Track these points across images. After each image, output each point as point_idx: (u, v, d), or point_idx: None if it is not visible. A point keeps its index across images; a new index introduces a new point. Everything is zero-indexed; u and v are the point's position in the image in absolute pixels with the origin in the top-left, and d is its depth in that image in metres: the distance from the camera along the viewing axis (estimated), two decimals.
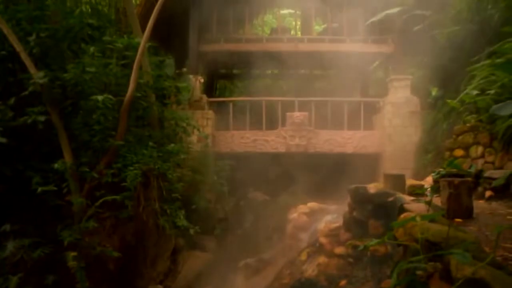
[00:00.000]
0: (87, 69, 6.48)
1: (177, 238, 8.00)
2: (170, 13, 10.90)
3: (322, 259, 6.11)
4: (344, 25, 11.58)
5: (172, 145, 7.57)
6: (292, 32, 15.16)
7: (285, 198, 10.10)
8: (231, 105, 11.07)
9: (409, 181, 6.10)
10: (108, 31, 8.42)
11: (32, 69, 6.24)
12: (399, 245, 3.39)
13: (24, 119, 5.96)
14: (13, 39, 6.25)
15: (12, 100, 6.10)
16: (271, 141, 10.63)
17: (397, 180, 5.68)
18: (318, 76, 16.22)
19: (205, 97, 10.94)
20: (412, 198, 4.63)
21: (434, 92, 12.08)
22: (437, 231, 2.42)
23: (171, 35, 11.94)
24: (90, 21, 7.83)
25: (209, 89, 12.73)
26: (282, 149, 10.61)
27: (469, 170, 5.47)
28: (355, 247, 5.39)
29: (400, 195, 4.85)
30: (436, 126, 9.37)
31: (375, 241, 2.33)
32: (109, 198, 6.19)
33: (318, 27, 17.21)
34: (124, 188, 6.30)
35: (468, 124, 6.88)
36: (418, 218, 2.32)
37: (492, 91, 6.10)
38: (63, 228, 5.95)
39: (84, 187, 6.36)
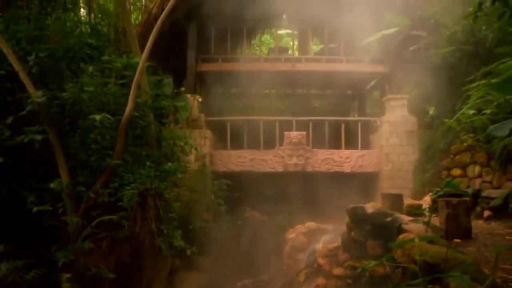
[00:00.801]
0: (86, 88, 6.50)
1: (174, 259, 7.90)
2: (169, 33, 11.02)
3: (320, 280, 6.05)
4: (341, 45, 11.70)
5: (170, 164, 7.54)
6: (290, 52, 15.28)
7: (282, 218, 10.02)
8: (228, 124, 11.09)
9: (407, 201, 6.08)
10: (107, 51, 8.49)
11: (30, 88, 6.25)
12: (398, 266, 3.36)
13: (21, 138, 5.95)
14: (12, 59, 6.28)
15: (9, 119, 6.10)
16: (268, 161, 10.61)
17: (395, 200, 5.67)
18: (315, 96, 16.32)
19: (203, 116, 10.97)
20: (410, 218, 4.61)
21: (431, 111, 12.16)
22: (435, 253, 2.40)
23: (169, 54, 12.05)
24: (90, 41, 7.89)
25: (207, 108, 12.77)
26: (279, 168, 10.59)
27: (466, 190, 5.46)
28: (353, 268, 5.34)
29: (398, 215, 4.82)
30: (434, 146, 9.40)
31: (373, 263, 2.30)
32: (105, 218, 6.14)
33: (315, 47, 17.42)
34: (120, 208, 6.25)
35: (465, 144, 6.90)
36: (416, 239, 2.30)
37: (488, 111, 6.14)
38: (58, 249, 5.88)
39: (80, 206, 6.31)
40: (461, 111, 6.71)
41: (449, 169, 7.27)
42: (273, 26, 14.59)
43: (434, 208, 4.33)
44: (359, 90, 14.63)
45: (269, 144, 10.80)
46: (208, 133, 10.67)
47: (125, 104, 6.88)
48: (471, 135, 6.84)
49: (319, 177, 10.22)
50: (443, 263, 2.24)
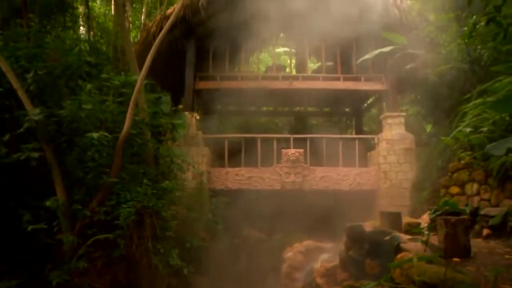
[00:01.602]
0: (84, 106, 6.50)
1: (171, 278, 7.78)
2: (167, 51, 11.11)
3: None
4: (338, 63, 11.80)
5: (167, 182, 7.50)
6: (287, 70, 15.43)
7: (280, 236, 9.95)
8: (226, 141, 11.10)
9: (406, 219, 6.05)
10: (106, 69, 8.54)
11: (28, 106, 6.25)
12: (396, 286, 3.32)
13: (17, 156, 5.91)
14: (11, 76, 6.30)
15: (6, 137, 6.08)
16: (266, 178, 10.58)
17: (394, 218, 5.64)
18: (313, 113, 16.39)
19: (200, 134, 10.98)
20: (409, 237, 4.57)
21: (428, 129, 12.21)
22: (434, 273, 2.37)
23: (168, 72, 12.12)
24: (89, 59, 7.93)
25: (205, 125, 12.80)
26: (277, 186, 10.55)
27: (464, 208, 5.44)
28: None
29: (396, 233, 4.79)
30: (431, 163, 9.40)
31: (371, 283, 2.27)
32: (101, 236, 6.07)
33: (312, 65, 17.58)
34: (116, 226, 6.19)
35: (462, 161, 6.91)
36: (415, 259, 2.27)
37: (485, 129, 6.17)
38: (52, 268, 5.78)
39: (75, 225, 6.24)
40: (458, 129, 6.74)
41: (447, 187, 7.26)
42: (271, 45, 14.74)
43: (432, 227, 4.30)
44: (357, 108, 14.71)
45: (267, 161, 10.78)
46: (206, 150, 10.66)
47: (123, 122, 6.88)
48: (469, 152, 6.86)
49: (317, 195, 10.18)
50: (441, 284, 2.22)
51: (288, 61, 18.16)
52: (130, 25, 15.45)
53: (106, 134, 6.42)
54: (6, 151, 5.97)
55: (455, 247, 3.72)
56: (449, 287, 2.12)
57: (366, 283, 2.32)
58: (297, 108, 15.99)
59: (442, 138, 7.71)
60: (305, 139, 11.09)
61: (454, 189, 6.99)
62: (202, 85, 11.58)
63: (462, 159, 6.94)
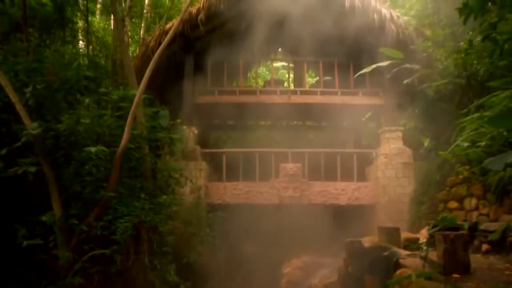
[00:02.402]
0: (82, 120, 6.50)
1: None
2: (165, 65, 11.17)
3: None
4: (336, 77, 11.87)
5: (165, 196, 7.47)
6: (285, 84, 15.49)
7: (278, 251, 9.86)
8: (224, 156, 11.08)
9: (405, 234, 6.02)
10: (105, 83, 8.57)
11: (26, 120, 6.25)
12: None
13: (14, 170, 5.89)
14: (9, 90, 6.31)
15: (4, 151, 6.06)
16: (264, 193, 10.53)
17: (392, 233, 5.61)
18: (311, 128, 16.42)
19: (198, 148, 10.97)
20: (407, 252, 4.54)
21: (426, 143, 12.23)
22: None
23: (166, 86, 12.16)
24: (87, 73, 7.97)
25: (203, 140, 12.80)
26: (275, 201, 10.50)
27: (463, 223, 5.42)
28: None
29: (395, 249, 4.76)
30: (429, 178, 9.39)
31: None
32: (97, 252, 6.01)
33: (310, 79, 17.67)
34: (113, 241, 6.13)
35: (460, 176, 6.90)
36: (413, 276, 2.25)
37: (482, 143, 6.19)
38: (48, 284, 5.72)
39: (72, 240, 6.18)
40: (456, 143, 6.75)
41: (445, 201, 7.24)
42: (269, 59, 14.84)
43: (431, 242, 4.28)
44: (355, 122, 14.74)
45: (265, 176, 10.75)
46: (204, 165, 10.64)
47: (121, 136, 6.87)
48: (467, 167, 6.85)
49: (315, 210, 10.14)
50: None
51: (286, 75, 18.26)
52: (129, 39, 15.55)
53: (104, 148, 6.42)
54: (3, 165, 5.94)
55: (454, 263, 3.69)
56: None
57: None
58: (295, 122, 16.02)
59: (440, 152, 7.73)
60: (303, 154, 11.08)
61: (453, 204, 6.97)
62: (200, 99, 11.60)
63: (460, 174, 6.93)
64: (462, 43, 8.49)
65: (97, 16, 17.36)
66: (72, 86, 7.31)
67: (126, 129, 6.87)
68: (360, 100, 11.60)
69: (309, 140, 15.54)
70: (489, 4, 3.87)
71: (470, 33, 8.18)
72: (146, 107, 8.55)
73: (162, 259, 6.92)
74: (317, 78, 14.75)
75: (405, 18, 11.17)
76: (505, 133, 5.83)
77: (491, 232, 5.12)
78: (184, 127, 10.85)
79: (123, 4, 14.32)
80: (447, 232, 3.89)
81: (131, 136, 6.99)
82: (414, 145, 11.13)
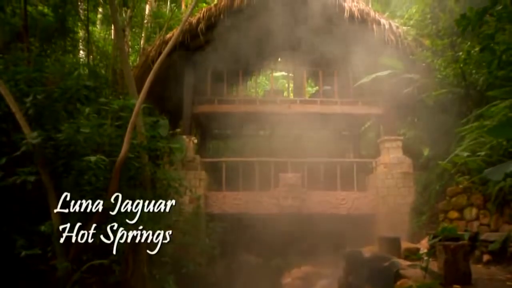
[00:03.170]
0: (82, 129, 6.49)
1: None
2: (165, 75, 11.20)
3: None
4: (335, 87, 11.90)
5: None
6: (285, 93, 15.54)
7: (278, 262, 9.81)
8: (224, 165, 11.07)
9: (405, 244, 6.00)
10: (105, 92, 8.57)
11: (26, 129, 6.24)
12: None
13: (13, 179, 5.87)
14: (9, 100, 6.31)
15: (3, 160, 6.05)
16: (263, 202, 10.50)
17: (392, 243, 5.59)
18: (310, 137, 16.40)
19: (198, 158, 10.96)
20: (408, 263, 4.51)
21: (425, 152, 12.22)
22: None
23: (166, 96, 12.19)
24: (87, 82, 7.97)
25: (202, 149, 12.79)
26: (275, 210, 10.46)
27: (464, 234, 5.39)
28: None
29: (395, 259, 4.74)
30: (429, 187, 9.37)
31: None
32: (96, 262, 5.96)
33: (310, 89, 17.72)
34: (112, 252, 6.08)
35: (460, 186, 6.90)
36: (414, 287, 2.23)
37: (482, 153, 6.19)
38: None
39: (70, 250, 6.13)
40: (455, 153, 6.74)
41: (445, 211, 7.22)
42: (269, 69, 14.89)
43: (432, 253, 4.25)
44: (354, 132, 14.76)
45: (264, 185, 10.73)
46: (203, 174, 10.62)
47: (120, 145, 6.86)
48: (466, 177, 6.85)
49: (315, 219, 10.10)
50: None
51: (286, 85, 18.31)
52: (130, 49, 15.63)
53: (104, 157, 6.39)
54: (2, 175, 5.93)
55: (455, 274, 3.67)
56: None
57: None
58: (295, 131, 16.01)
59: (440, 162, 7.72)
60: (302, 163, 11.07)
61: (453, 214, 6.95)
62: (200, 109, 11.63)
63: (460, 184, 6.93)
64: (460, 53, 8.54)
65: (98, 26, 17.48)
66: (72, 96, 7.31)
67: (126, 139, 6.85)
68: (360, 109, 11.63)
69: (309, 149, 15.52)
70: (487, 15, 3.90)
71: (469, 43, 8.23)
72: (146, 116, 8.55)
73: (161, 269, 6.87)
74: (317, 87, 14.80)
75: (404, 28, 11.25)
76: (504, 143, 5.83)
77: (492, 242, 5.10)
78: (184, 136, 10.85)
79: (124, 14, 14.41)
80: (448, 243, 3.88)
81: (130, 146, 6.97)
82: (413, 155, 11.11)
